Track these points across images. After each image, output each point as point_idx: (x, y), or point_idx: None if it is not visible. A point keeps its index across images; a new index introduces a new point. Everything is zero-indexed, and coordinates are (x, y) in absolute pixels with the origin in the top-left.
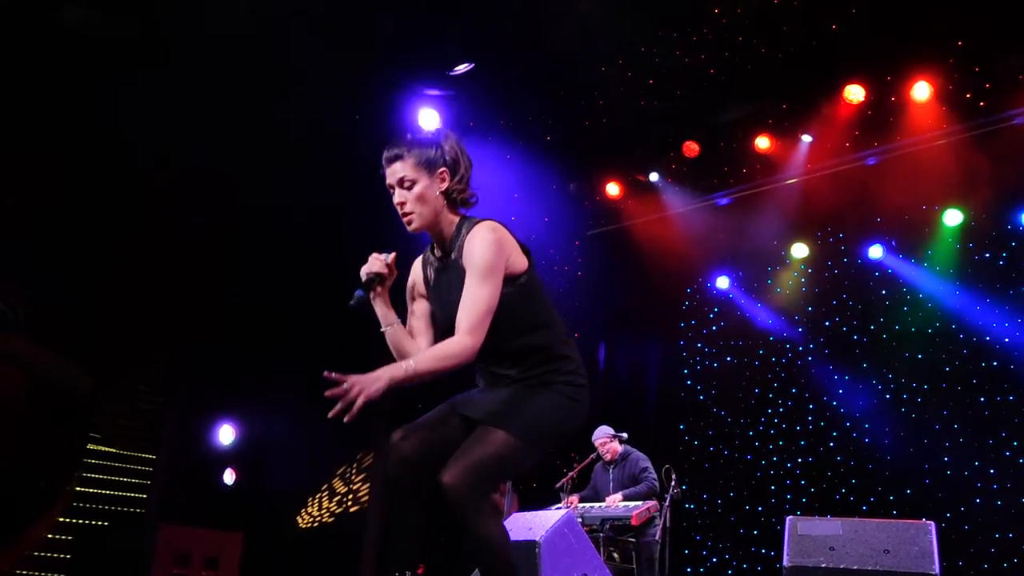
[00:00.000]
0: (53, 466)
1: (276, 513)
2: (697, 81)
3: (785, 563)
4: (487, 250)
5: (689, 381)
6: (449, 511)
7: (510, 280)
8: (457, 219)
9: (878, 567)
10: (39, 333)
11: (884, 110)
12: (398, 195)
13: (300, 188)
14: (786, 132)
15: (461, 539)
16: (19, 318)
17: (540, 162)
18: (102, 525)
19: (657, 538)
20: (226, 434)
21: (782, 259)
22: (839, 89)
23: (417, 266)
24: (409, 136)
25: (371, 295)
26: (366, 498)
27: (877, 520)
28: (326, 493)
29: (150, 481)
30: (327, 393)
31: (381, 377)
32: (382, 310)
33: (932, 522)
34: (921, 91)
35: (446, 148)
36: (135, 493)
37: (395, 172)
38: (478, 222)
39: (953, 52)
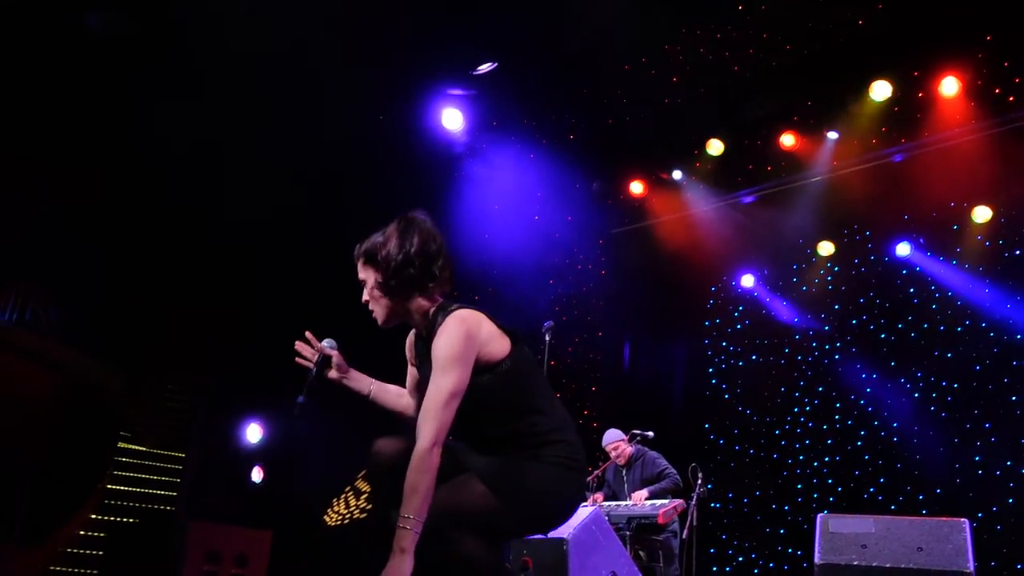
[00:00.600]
0: (85, 465)
1: (304, 511)
2: (721, 78)
3: (816, 560)
4: (450, 343)
5: (714, 380)
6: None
7: (488, 368)
8: (432, 307)
9: (911, 565)
10: (70, 334)
11: (911, 106)
12: (364, 294)
13: (329, 189)
14: (811, 129)
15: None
16: (51, 320)
17: (563, 161)
18: (133, 522)
19: (676, 532)
20: (254, 433)
21: (808, 257)
22: (865, 85)
23: (412, 334)
24: (365, 239)
25: (328, 374)
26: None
27: (910, 518)
28: (352, 492)
29: (180, 479)
30: None
31: (403, 558)
32: (350, 386)
33: (966, 519)
34: (949, 86)
35: (396, 237)
36: (165, 491)
37: (360, 273)
38: (451, 311)
39: (981, 46)
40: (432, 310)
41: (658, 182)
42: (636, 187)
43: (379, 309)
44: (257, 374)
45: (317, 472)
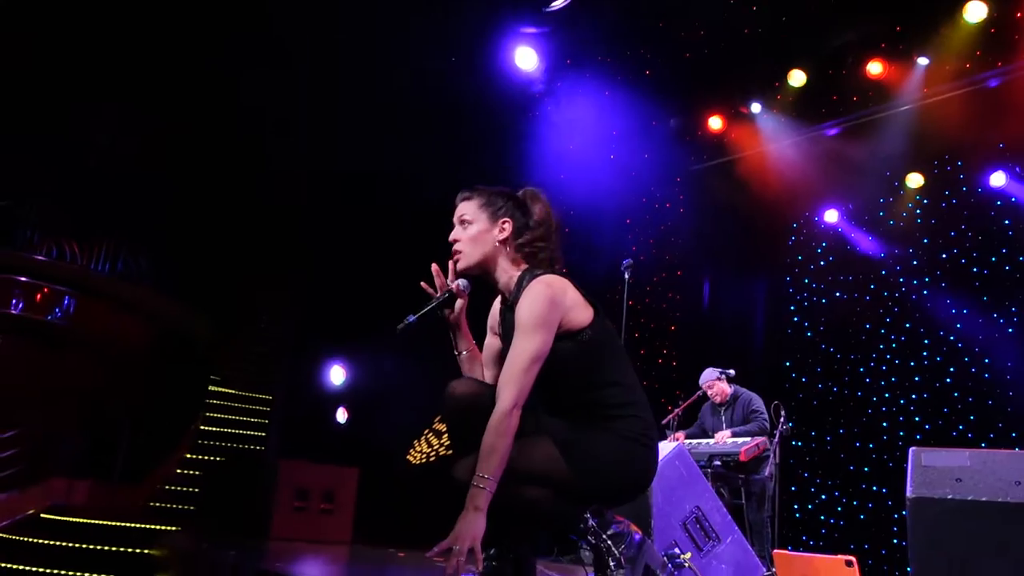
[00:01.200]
0: (179, 408)
1: (388, 450)
2: (803, 5)
3: (908, 494)
4: (535, 304)
5: (796, 318)
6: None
7: (569, 335)
8: (519, 272)
9: (1009, 499)
10: (160, 284)
11: (1007, 27)
12: (454, 232)
13: (406, 135)
14: (900, 56)
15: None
16: (142, 270)
17: (640, 98)
18: (226, 462)
19: (768, 475)
20: (337, 375)
21: (895, 190)
22: (959, 6)
23: (497, 303)
24: (484, 186)
25: (445, 314)
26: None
27: (1008, 451)
28: (432, 433)
29: (268, 420)
30: (429, 555)
31: (476, 517)
32: (456, 335)
33: None
34: None
35: (524, 202)
36: (255, 432)
37: (459, 211)
38: (538, 276)
39: None
40: (519, 274)
41: (737, 117)
42: (715, 122)
43: (472, 253)
44: (340, 318)
45: (399, 413)
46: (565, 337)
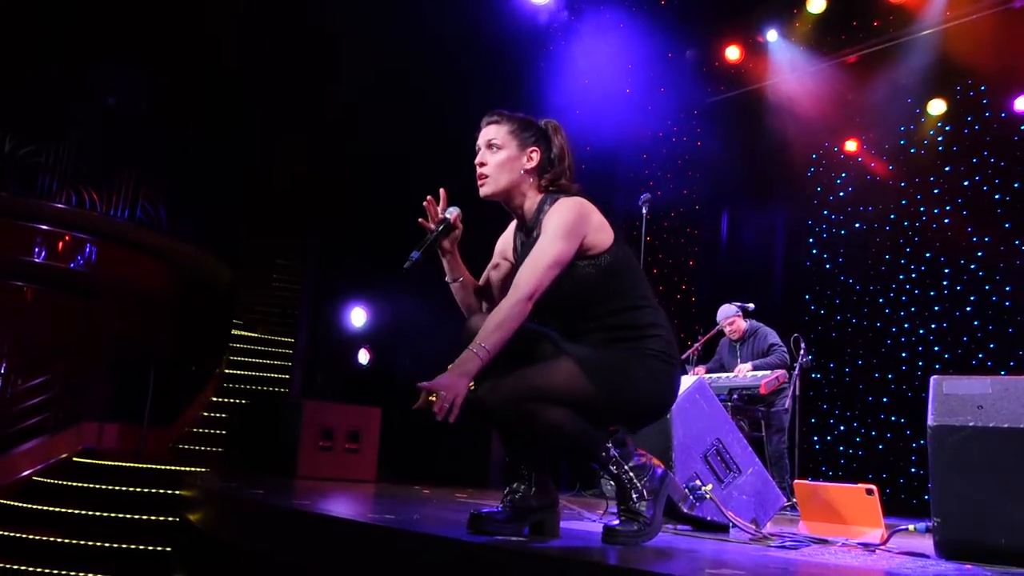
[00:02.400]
0: (203, 352)
1: (409, 390)
2: None
3: (930, 423)
4: (562, 217)
5: (815, 250)
6: (488, 422)
7: (590, 258)
8: (542, 198)
9: None
10: (181, 231)
11: None
12: (481, 156)
13: (417, 69)
14: None
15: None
16: (161, 216)
17: (655, 29)
18: (251, 404)
19: (787, 407)
20: (358, 316)
21: (916, 117)
22: None
23: (511, 230)
24: (511, 111)
25: (438, 248)
26: None
27: None
28: None
29: (291, 363)
30: (414, 407)
31: (462, 377)
32: (450, 263)
33: None
34: None
35: (548, 134)
36: (278, 374)
37: (486, 134)
38: (562, 198)
39: None
40: (539, 200)
41: (755, 46)
42: (732, 53)
43: (499, 179)
44: (359, 260)
45: (420, 352)
46: (586, 258)
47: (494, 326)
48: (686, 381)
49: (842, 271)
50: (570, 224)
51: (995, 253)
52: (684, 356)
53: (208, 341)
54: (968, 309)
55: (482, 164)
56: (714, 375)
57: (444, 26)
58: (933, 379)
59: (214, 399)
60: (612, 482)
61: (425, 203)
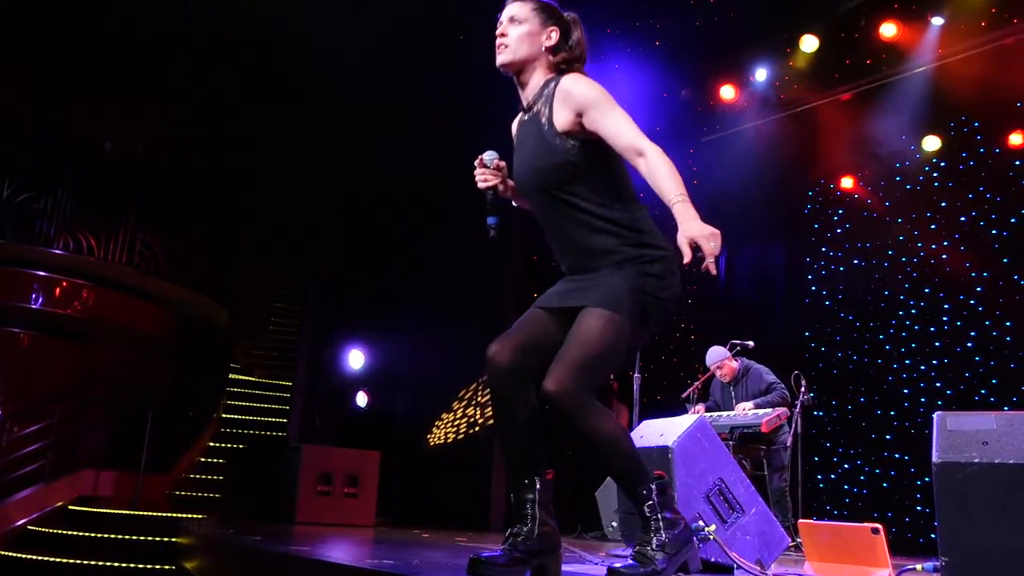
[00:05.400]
0: (201, 397)
1: (408, 433)
2: None
3: (934, 459)
4: (589, 85)
5: (814, 287)
6: (559, 419)
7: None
8: (549, 77)
9: None
10: (178, 276)
11: None
12: (502, 28)
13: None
14: (914, 16)
15: (578, 444)
16: (158, 258)
17: (650, 69)
18: (249, 448)
19: (787, 445)
20: (356, 359)
21: (911, 154)
22: None
23: (514, 126)
24: None
25: (500, 190)
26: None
27: None
28: (454, 413)
29: (289, 407)
30: (685, 264)
31: (699, 221)
32: (512, 195)
33: None
34: None
35: (569, 24)
36: (276, 418)
37: (510, 11)
38: (568, 73)
39: None
40: (546, 79)
41: (749, 85)
42: (727, 92)
43: (518, 48)
44: (356, 303)
45: (418, 396)
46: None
47: (668, 176)
48: (687, 420)
49: (841, 307)
50: (603, 90)
51: (995, 288)
52: (684, 395)
53: (206, 385)
54: (969, 345)
55: (503, 35)
56: (715, 413)
57: (442, 72)
58: (937, 415)
59: (211, 444)
60: (640, 522)
61: (476, 172)
